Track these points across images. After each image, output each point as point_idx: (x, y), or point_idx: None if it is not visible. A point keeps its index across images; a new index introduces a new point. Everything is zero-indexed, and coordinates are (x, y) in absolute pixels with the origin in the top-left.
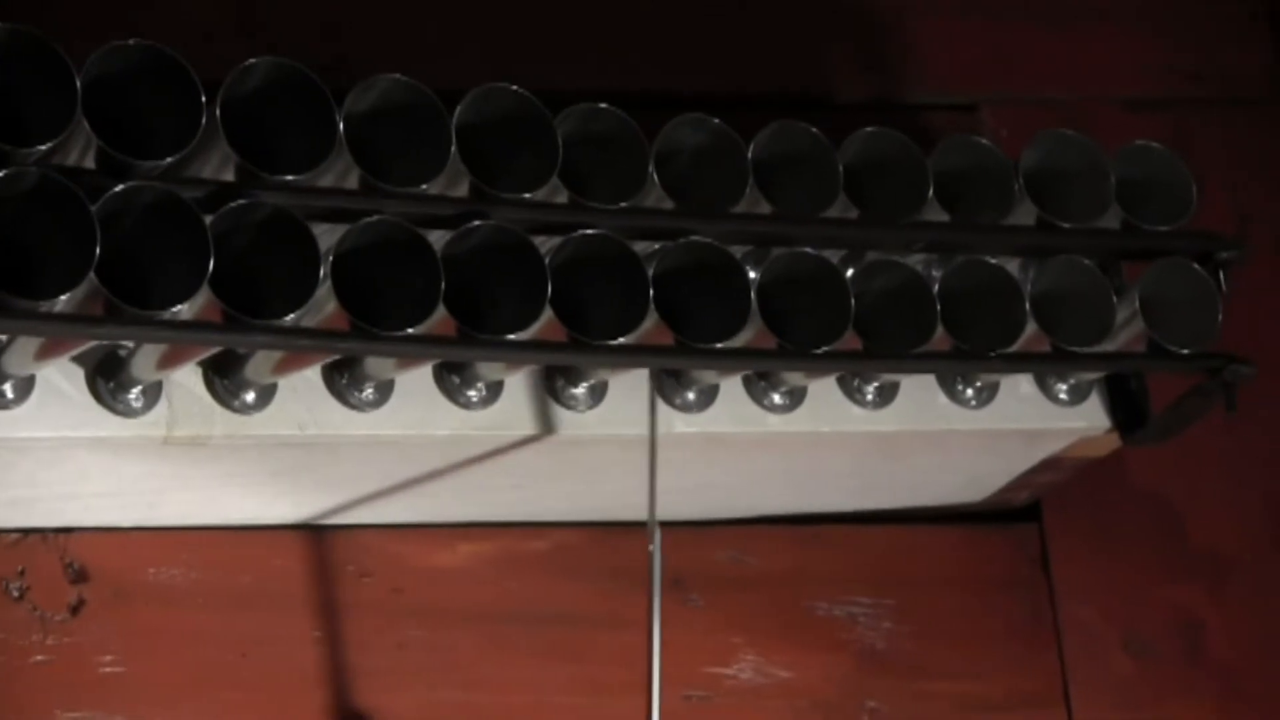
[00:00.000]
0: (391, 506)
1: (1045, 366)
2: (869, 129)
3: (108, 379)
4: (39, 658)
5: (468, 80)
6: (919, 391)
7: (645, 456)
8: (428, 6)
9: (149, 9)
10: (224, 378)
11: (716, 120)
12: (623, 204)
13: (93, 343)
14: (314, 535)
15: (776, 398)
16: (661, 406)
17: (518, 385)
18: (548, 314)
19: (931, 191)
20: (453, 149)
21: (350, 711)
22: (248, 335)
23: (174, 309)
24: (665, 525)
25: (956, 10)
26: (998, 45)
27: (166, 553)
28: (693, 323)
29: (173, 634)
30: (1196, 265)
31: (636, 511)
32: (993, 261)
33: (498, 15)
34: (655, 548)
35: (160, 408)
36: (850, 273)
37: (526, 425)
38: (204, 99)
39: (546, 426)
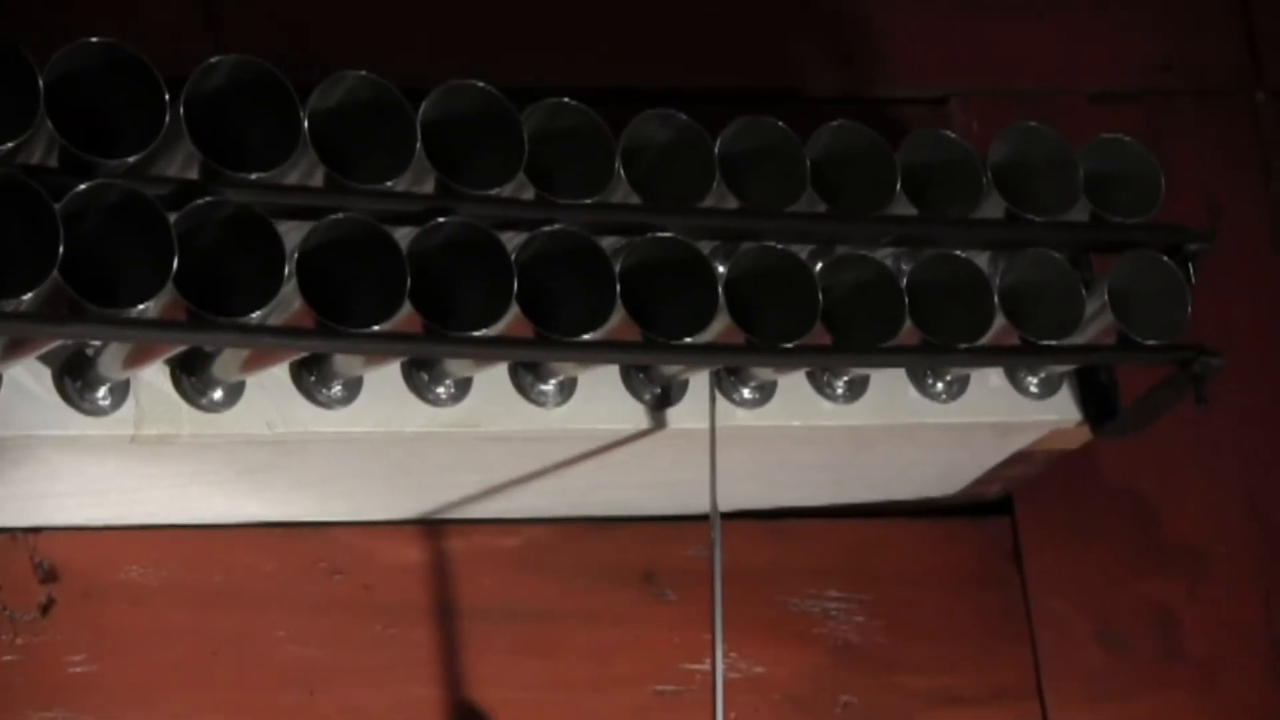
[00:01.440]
0: (362, 504)
1: (1015, 360)
2: (836, 123)
3: (75, 377)
4: (9, 657)
5: (434, 77)
6: (889, 385)
7: (617, 452)
8: (394, 3)
9: (119, 8)
10: (191, 376)
11: (683, 115)
12: (589, 199)
13: (58, 341)
14: (285, 533)
15: (746, 393)
16: (631, 402)
17: (486, 381)
18: (514, 310)
19: (900, 185)
20: (418, 145)
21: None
22: (213, 333)
23: (139, 307)
24: (637, 521)
25: (926, 3)
26: (967, 38)
27: (137, 551)
28: (660, 318)
29: (143, 633)
30: (1165, 258)
31: (606, 507)
32: (961, 255)
33: (465, 12)
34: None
35: (128, 406)
36: (818, 267)
37: (495, 422)
38: (168, 96)
39: (515, 423)
